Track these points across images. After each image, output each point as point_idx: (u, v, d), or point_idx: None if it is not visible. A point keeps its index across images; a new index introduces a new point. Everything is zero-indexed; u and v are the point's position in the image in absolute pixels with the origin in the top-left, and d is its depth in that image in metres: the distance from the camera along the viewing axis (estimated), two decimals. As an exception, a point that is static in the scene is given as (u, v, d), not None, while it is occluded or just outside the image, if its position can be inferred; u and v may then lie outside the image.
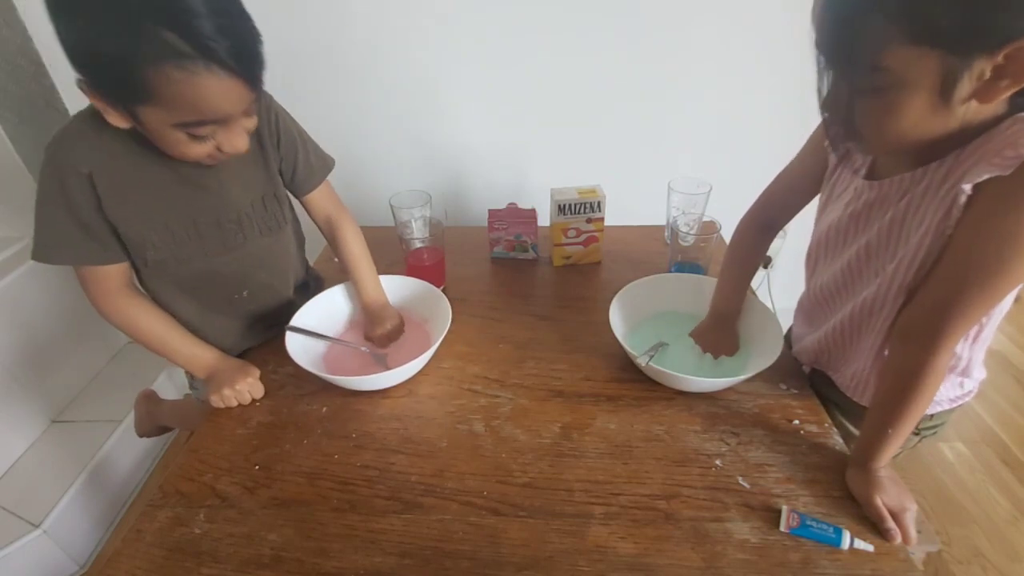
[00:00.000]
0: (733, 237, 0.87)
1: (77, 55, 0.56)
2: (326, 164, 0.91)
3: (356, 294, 0.93)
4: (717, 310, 0.87)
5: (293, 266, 0.94)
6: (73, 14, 0.54)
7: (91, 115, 0.67)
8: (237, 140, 0.66)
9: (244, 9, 0.58)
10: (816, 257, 0.77)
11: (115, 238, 0.72)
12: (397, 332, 0.91)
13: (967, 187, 0.51)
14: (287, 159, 0.84)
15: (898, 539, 0.60)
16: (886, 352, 0.67)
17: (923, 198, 0.58)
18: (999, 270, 0.52)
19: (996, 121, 0.51)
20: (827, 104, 0.55)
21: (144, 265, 0.76)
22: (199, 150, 0.64)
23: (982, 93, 0.46)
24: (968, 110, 0.49)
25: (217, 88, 0.58)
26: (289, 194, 0.89)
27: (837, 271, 0.71)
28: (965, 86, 0.46)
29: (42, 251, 0.71)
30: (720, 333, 0.85)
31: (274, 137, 0.81)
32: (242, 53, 0.58)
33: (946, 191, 0.55)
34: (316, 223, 0.95)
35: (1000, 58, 0.43)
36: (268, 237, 0.84)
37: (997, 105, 0.50)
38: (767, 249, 0.88)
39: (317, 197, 0.91)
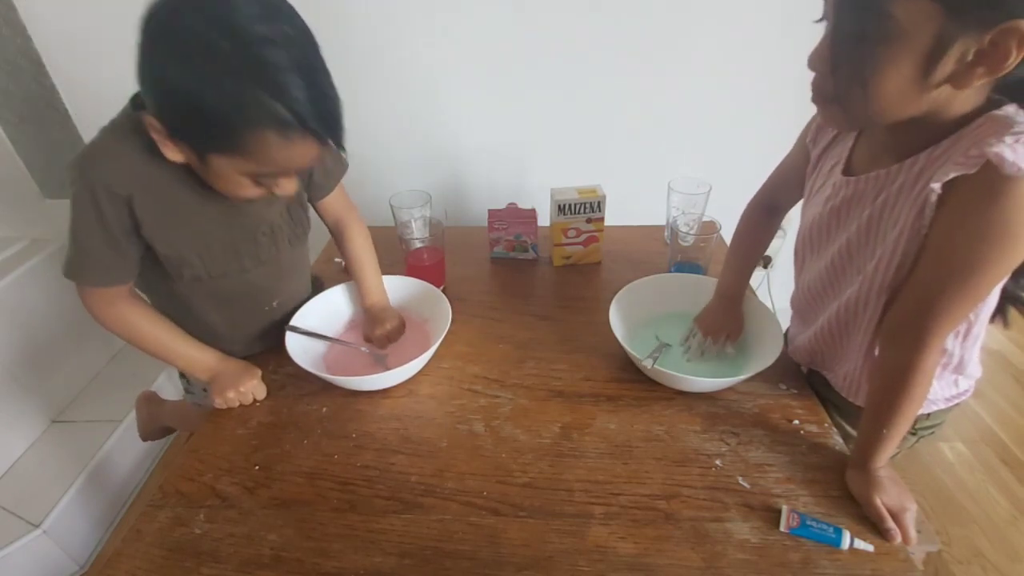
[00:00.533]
0: (740, 219, 0.88)
1: (167, 99, 0.57)
2: (341, 166, 0.90)
3: (359, 295, 0.93)
4: (721, 291, 0.87)
5: (309, 271, 0.96)
6: (182, 65, 0.54)
7: (122, 133, 0.66)
8: (291, 185, 0.68)
9: (327, 68, 0.60)
10: (803, 254, 0.77)
11: (141, 257, 0.72)
12: (397, 333, 0.91)
13: (936, 186, 0.52)
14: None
15: (898, 539, 0.60)
16: (876, 352, 0.67)
17: (898, 196, 0.58)
18: (977, 268, 0.52)
19: (969, 119, 0.52)
20: (814, 58, 0.54)
21: (179, 279, 0.75)
22: (253, 192, 0.66)
23: (958, 77, 0.47)
24: (940, 96, 0.49)
25: (304, 150, 0.61)
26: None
27: (822, 269, 0.71)
28: (948, 64, 0.46)
29: (77, 271, 0.70)
30: (723, 316, 0.85)
31: None
32: (332, 121, 0.60)
33: (919, 190, 0.55)
34: (325, 223, 0.95)
35: (987, 41, 0.44)
36: (296, 246, 0.85)
37: (970, 98, 0.51)
38: (774, 232, 0.88)
39: (331, 201, 0.91)
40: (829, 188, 0.68)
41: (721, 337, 0.84)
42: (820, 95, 0.56)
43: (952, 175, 0.50)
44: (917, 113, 0.52)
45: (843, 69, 0.51)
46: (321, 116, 0.58)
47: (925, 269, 0.56)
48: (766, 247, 0.89)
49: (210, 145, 0.60)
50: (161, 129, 0.60)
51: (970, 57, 0.45)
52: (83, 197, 0.65)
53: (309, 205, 0.89)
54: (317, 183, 0.86)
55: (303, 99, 0.56)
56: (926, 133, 0.54)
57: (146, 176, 0.66)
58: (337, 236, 0.95)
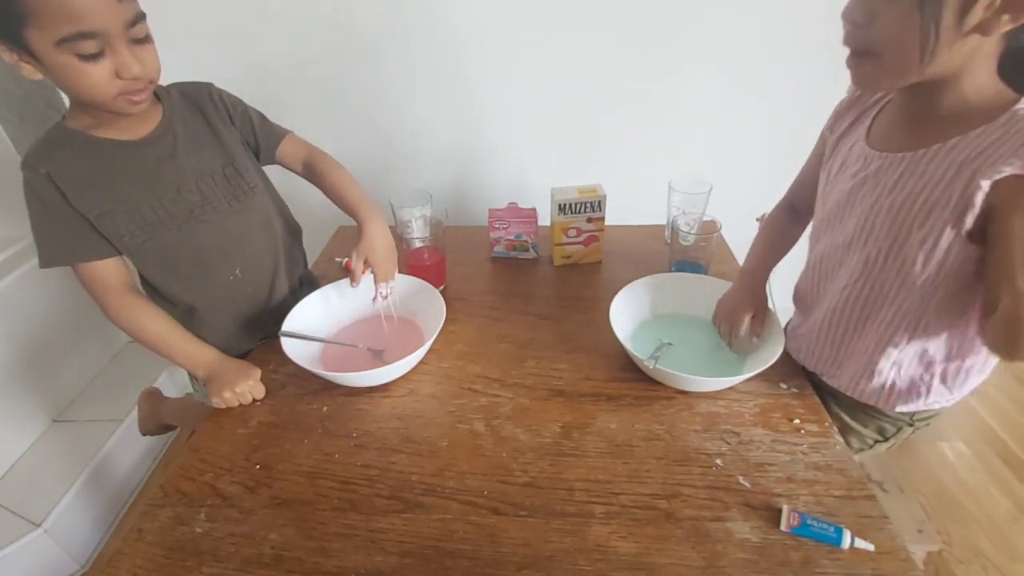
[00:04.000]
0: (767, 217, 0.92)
1: None
2: (283, 128, 0.93)
3: (352, 217, 0.89)
4: (743, 269, 0.88)
5: (283, 246, 0.93)
6: None
7: (55, 124, 0.73)
8: (132, 64, 0.64)
9: None
10: (819, 231, 0.77)
11: (95, 231, 0.74)
12: (389, 265, 0.87)
13: (985, 184, 0.53)
14: (245, 128, 0.86)
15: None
16: (894, 353, 0.67)
17: (934, 190, 0.57)
18: None
19: (991, 111, 0.53)
20: (851, 9, 0.55)
21: (128, 252, 0.77)
22: (99, 75, 0.63)
23: (986, 25, 0.49)
24: (968, 46, 0.51)
25: None
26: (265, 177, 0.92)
27: (839, 244, 0.71)
28: (977, 11, 0.48)
29: (43, 257, 0.74)
30: (741, 295, 0.84)
31: (224, 115, 0.84)
32: None
33: (958, 191, 0.55)
34: (297, 172, 0.94)
35: None
36: (240, 208, 0.84)
37: (987, 72, 0.54)
38: (800, 231, 0.89)
39: (288, 147, 0.92)
40: (858, 163, 0.67)
41: (742, 319, 0.81)
42: (855, 49, 0.57)
43: (1007, 171, 0.51)
44: (949, 67, 0.53)
45: (881, 18, 0.52)
46: None
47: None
48: (792, 243, 0.90)
49: (6, 24, 0.59)
50: None
51: (997, 4, 0.48)
52: (25, 190, 0.71)
53: (258, 170, 0.89)
54: (264, 138, 0.89)
55: None
56: (946, 104, 0.56)
57: (61, 151, 0.71)
58: (311, 175, 0.93)
